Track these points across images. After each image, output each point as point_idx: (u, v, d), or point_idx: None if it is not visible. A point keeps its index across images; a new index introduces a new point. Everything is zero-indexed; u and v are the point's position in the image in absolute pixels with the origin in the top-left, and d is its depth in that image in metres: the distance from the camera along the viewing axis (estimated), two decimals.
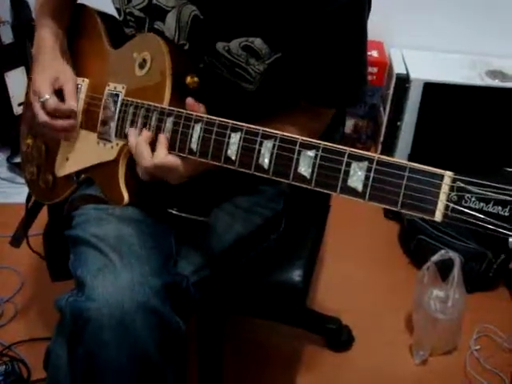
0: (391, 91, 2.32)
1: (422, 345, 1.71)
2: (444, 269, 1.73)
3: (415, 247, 2.03)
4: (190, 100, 0.99)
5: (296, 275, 1.29)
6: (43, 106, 1.16)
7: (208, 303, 1.30)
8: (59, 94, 1.18)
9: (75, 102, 1.17)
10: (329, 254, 1.98)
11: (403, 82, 2.25)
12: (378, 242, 2.15)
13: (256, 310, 1.44)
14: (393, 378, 1.68)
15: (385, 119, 2.38)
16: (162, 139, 1.01)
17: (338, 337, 1.74)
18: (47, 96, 1.16)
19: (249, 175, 0.93)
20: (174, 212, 1.10)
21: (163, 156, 0.99)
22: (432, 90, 2.21)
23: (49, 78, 1.18)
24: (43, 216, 1.45)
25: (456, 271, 1.68)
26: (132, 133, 1.05)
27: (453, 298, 1.68)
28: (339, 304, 1.83)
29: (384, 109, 2.43)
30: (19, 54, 2.27)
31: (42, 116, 1.17)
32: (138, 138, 1.03)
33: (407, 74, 2.25)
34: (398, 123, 2.32)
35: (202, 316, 1.40)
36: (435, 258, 1.72)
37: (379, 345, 1.75)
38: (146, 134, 1.03)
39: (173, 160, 1.00)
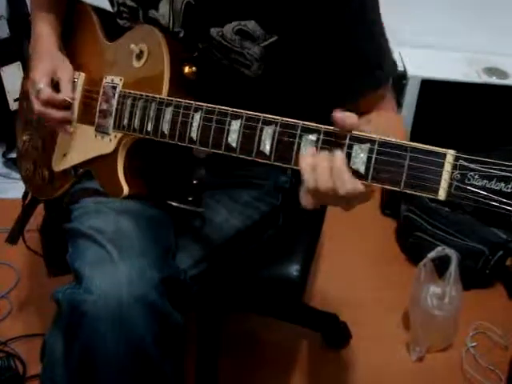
0: None
1: (418, 341, 1.71)
2: (441, 265, 1.73)
3: (412, 244, 2.03)
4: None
5: (293, 270, 1.29)
6: (37, 95, 1.16)
7: (206, 297, 1.30)
8: (57, 85, 1.18)
9: (70, 94, 1.16)
10: (326, 250, 1.98)
11: (400, 79, 2.24)
12: (375, 238, 2.15)
13: (253, 305, 1.44)
14: (389, 374, 1.68)
15: None
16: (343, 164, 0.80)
17: (335, 333, 1.74)
18: (41, 85, 1.15)
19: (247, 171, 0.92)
20: (173, 204, 1.09)
21: (356, 182, 0.80)
22: (429, 87, 2.21)
23: (46, 69, 1.17)
24: (39, 213, 1.44)
25: (453, 268, 1.69)
26: (310, 151, 0.84)
27: (449, 295, 1.69)
28: (336, 300, 1.83)
29: None
30: (15, 49, 2.26)
31: (37, 106, 1.16)
32: (337, 157, 0.81)
33: (404, 71, 2.25)
34: None
35: (199, 311, 1.40)
36: (432, 254, 1.72)
37: (376, 341, 1.75)
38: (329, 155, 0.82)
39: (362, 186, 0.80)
